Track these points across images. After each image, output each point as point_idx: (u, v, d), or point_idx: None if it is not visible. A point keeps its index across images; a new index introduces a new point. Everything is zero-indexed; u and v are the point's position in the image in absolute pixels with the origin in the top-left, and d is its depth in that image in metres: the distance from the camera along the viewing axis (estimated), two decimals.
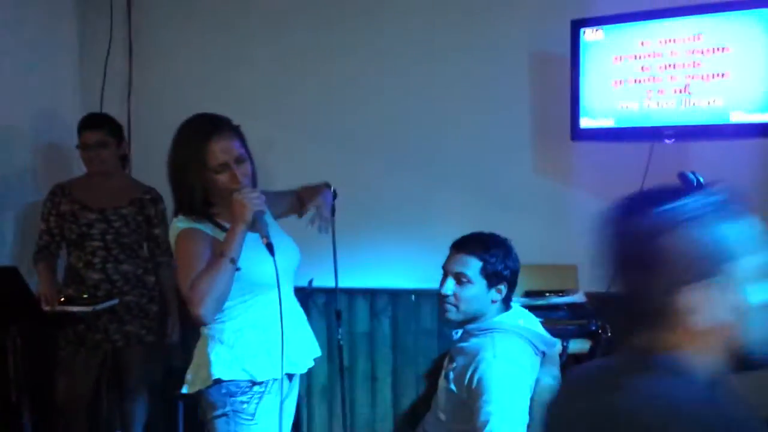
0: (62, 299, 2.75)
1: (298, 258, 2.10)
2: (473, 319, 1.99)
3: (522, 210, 3.13)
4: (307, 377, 3.37)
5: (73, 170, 3.14)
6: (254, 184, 2.01)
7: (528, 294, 2.79)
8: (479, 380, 1.84)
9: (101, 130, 2.86)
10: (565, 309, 2.72)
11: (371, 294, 3.32)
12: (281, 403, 1.94)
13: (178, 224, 1.92)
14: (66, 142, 3.07)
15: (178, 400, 2.85)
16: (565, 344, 2.58)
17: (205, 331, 1.94)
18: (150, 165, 3.46)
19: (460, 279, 1.97)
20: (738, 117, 2.63)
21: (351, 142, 3.36)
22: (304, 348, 2.06)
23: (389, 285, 3.31)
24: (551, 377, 1.94)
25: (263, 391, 1.91)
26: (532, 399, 1.87)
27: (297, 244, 2.19)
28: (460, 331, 2.03)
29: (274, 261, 1.84)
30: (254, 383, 1.88)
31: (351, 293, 3.30)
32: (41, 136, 3.31)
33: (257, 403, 1.88)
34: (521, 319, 2.02)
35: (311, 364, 2.09)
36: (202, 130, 1.92)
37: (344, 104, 3.37)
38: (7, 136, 3.13)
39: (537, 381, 1.91)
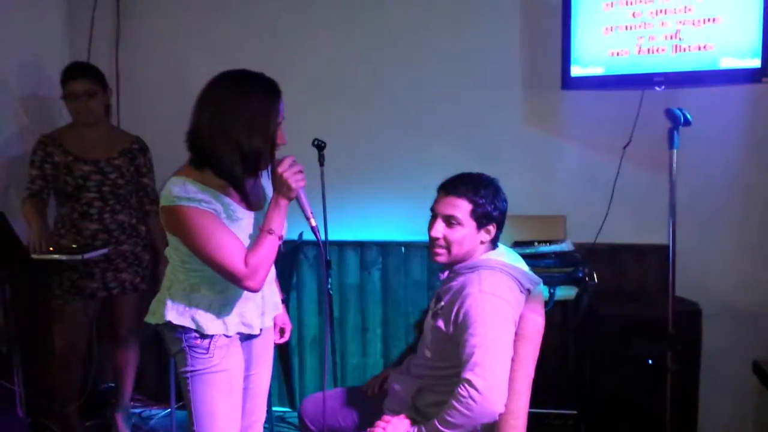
0: (52, 248, 2.74)
1: None
2: (462, 260, 2.00)
3: (512, 161, 3.13)
4: (298, 328, 3.42)
5: (57, 121, 3.10)
6: None
7: (517, 244, 2.81)
8: (465, 315, 1.86)
9: (88, 79, 2.82)
10: (553, 257, 2.73)
11: (361, 246, 3.33)
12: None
13: (181, 202, 1.76)
14: (52, 92, 3.02)
15: None
16: (552, 291, 2.61)
17: (169, 273, 1.95)
18: (139, 115, 3.45)
19: (449, 221, 1.96)
20: (728, 63, 2.61)
21: (340, 96, 3.33)
22: (263, 309, 2.01)
23: (379, 237, 3.32)
24: (536, 314, 1.95)
25: (213, 335, 1.90)
26: (516, 334, 1.89)
27: None
28: (447, 272, 2.04)
29: (320, 244, 1.92)
30: (203, 335, 1.88)
31: (341, 246, 3.31)
32: (27, 87, 3.26)
33: (210, 340, 1.88)
34: (506, 256, 2.02)
35: (269, 324, 2.07)
36: (271, 85, 1.86)
37: (333, 58, 3.32)
38: None
39: (522, 317, 1.92)
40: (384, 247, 3.32)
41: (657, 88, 2.74)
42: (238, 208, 1.85)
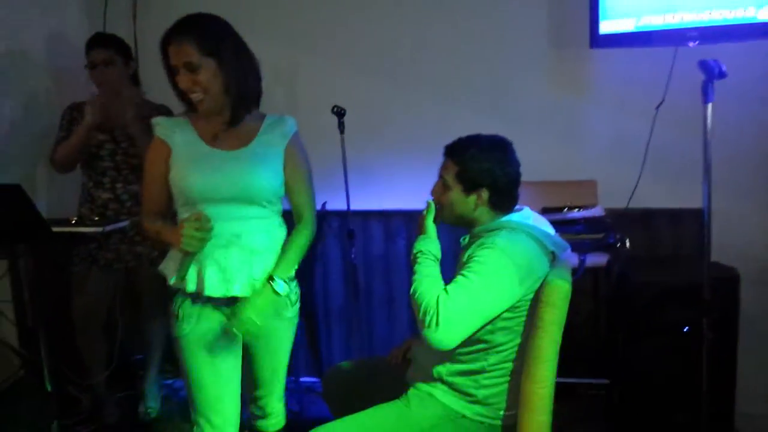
0: (74, 220, 2.77)
1: (244, 181, 1.90)
2: (464, 223, 1.96)
3: (539, 126, 3.04)
4: (324, 298, 3.40)
5: (83, 92, 3.07)
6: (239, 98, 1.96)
7: (545, 210, 2.73)
8: (468, 257, 1.82)
9: (108, 48, 2.82)
10: (583, 223, 2.65)
11: (385, 216, 3.28)
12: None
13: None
14: (74, 63, 3.00)
15: None
16: (582, 258, 2.53)
17: None
18: (158, 84, 3.40)
19: (443, 182, 1.95)
20: (766, 15, 2.47)
21: (363, 64, 3.26)
22: (230, 275, 1.89)
23: (403, 207, 3.26)
24: (562, 279, 1.85)
25: (185, 298, 1.95)
26: (540, 300, 1.81)
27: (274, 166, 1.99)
28: (467, 237, 1.99)
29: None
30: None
31: (365, 215, 3.26)
32: (51, 60, 3.25)
33: (179, 307, 1.96)
34: (532, 219, 1.95)
35: (246, 292, 1.90)
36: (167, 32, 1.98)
37: (355, 25, 3.25)
38: (18, 60, 3.07)
39: (547, 283, 1.82)
40: (409, 216, 3.26)
41: (690, 44, 2.61)
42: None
